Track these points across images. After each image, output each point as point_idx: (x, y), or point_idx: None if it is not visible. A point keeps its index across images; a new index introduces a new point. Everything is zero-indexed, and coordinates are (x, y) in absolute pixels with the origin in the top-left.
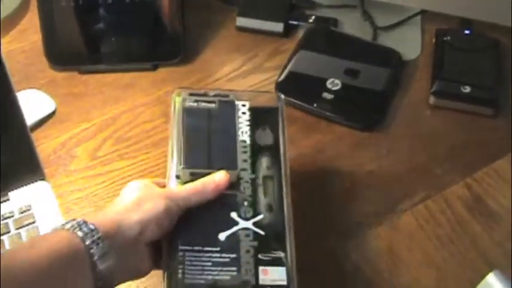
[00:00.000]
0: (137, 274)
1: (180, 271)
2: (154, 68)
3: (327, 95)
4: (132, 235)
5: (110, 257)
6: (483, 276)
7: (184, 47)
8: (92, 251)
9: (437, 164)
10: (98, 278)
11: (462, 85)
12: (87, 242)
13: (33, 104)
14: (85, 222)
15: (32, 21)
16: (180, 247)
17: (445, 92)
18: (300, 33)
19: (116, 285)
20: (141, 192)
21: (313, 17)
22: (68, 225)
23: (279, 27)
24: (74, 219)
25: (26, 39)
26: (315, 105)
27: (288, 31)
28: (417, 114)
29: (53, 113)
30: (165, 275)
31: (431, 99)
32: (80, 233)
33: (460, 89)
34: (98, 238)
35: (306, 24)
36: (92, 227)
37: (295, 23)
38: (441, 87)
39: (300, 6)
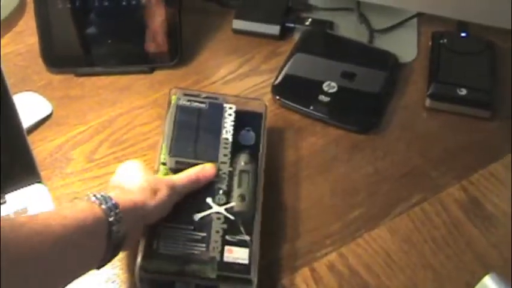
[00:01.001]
0: (131, 245)
1: (155, 242)
2: (151, 70)
3: (323, 98)
4: (146, 219)
5: (124, 232)
6: (479, 279)
7: (181, 49)
8: (113, 227)
9: (433, 167)
10: (110, 246)
11: (458, 87)
12: (111, 219)
13: (29, 106)
14: (110, 198)
15: (28, 23)
16: (159, 223)
17: (441, 94)
18: (296, 36)
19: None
20: (150, 178)
21: (309, 20)
22: (94, 198)
23: (275, 29)
24: (98, 193)
25: (22, 42)
26: (311, 107)
27: (284, 34)
28: (413, 117)
29: (50, 115)
30: (143, 244)
31: (428, 102)
32: (104, 207)
33: (456, 91)
34: (119, 216)
35: (302, 26)
36: (115, 203)
37: (292, 25)
38: (437, 90)
39: (296, 9)
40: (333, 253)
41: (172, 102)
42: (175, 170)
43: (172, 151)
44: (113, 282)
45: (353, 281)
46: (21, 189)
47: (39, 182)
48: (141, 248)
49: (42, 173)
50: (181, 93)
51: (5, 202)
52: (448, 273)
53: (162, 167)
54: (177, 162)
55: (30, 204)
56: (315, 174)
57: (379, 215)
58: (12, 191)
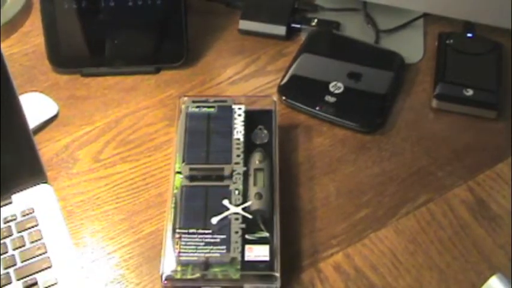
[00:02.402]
0: None
1: (176, 250)
2: (157, 71)
3: (330, 98)
4: None
5: None
6: (486, 280)
7: (187, 50)
8: None
9: (439, 167)
10: None
11: (465, 88)
12: None
13: (35, 107)
14: None
15: (34, 24)
16: (178, 230)
17: (448, 95)
18: (303, 37)
19: None
20: None
21: (315, 20)
22: None
23: (281, 30)
24: None
25: (29, 42)
26: (317, 108)
27: (291, 34)
28: (420, 117)
29: (56, 116)
30: (164, 253)
31: (434, 102)
32: None
33: (463, 92)
34: None
35: (309, 27)
36: None
37: (298, 26)
38: (444, 90)
39: (303, 10)
40: (339, 253)
41: (182, 111)
42: (191, 177)
43: (186, 159)
44: (118, 282)
45: (359, 281)
46: (28, 190)
47: (45, 182)
48: (162, 257)
49: (49, 174)
50: (189, 100)
51: (11, 202)
52: (454, 274)
53: (177, 176)
54: (191, 169)
55: (36, 204)
56: (321, 174)
57: (386, 216)
58: (18, 191)
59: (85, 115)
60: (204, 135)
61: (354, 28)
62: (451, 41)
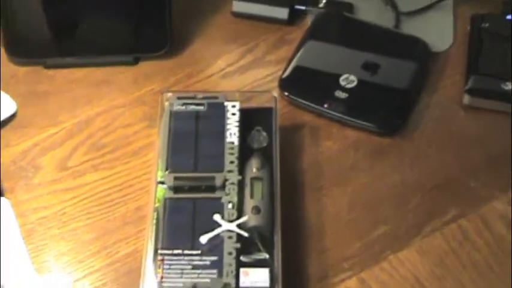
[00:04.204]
0: None
1: (158, 275)
2: (136, 61)
3: (341, 94)
4: None
5: None
6: None
7: (171, 36)
8: None
9: (472, 176)
10: None
11: (503, 81)
12: None
13: None
14: None
15: None
16: (160, 251)
17: (482, 89)
18: (309, 20)
19: None
20: None
21: (323, 1)
22: None
23: (283, 13)
24: None
25: None
26: (325, 105)
27: (294, 18)
28: (448, 116)
29: (13, 115)
30: (143, 279)
31: (466, 99)
32: None
33: (500, 85)
34: None
35: (316, 9)
36: None
37: (303, 8)
38: (477, 84)
39: None
40: (352, 278)
41: (165, 109)
42: (176, 188)
43: (170, 166)
44: None
45: None
46: None
47: (1, 195)
48: (141, 284)
49: (5, 185)
50: (174, 97)
51: None
52: None
53: (159, 187)
54: (176, 178)
55: None
56: (330, 184)
57: (408, 234)
58: None
59: (48, 114)
60: (192, 138)
61: (369, 10)
62: (487, 24)
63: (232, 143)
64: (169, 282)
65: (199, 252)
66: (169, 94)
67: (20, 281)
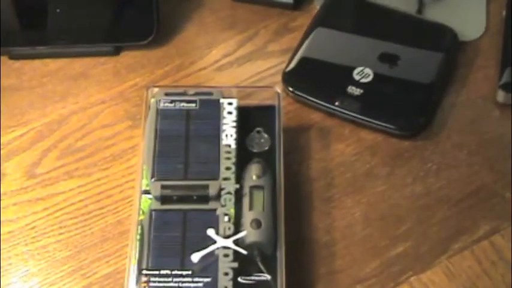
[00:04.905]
0: None
1: None
2: (117, 51)
3: (354, 90)
4: None
5: None
6: None
7: (158, 22)
8: None
9: (507, 185)
10: None
11: None
12: None
13: None
14: None
15: None
16: (145, 271)
17: None
18: (317, 4)
19: None
20: None
21: None
22: None
23: None
24: None
25: None
26: (336, 103)
27: (301, 1)
28: (480, 116)
29: None
30: None
31: (500, 95)
32: None
33: None
34: None
35: None
36: None
37: None
38: None
39: None
40: None
41: (151, 107)
42: (163, 199)
43: (157, 173)
44: None
45: None
46: None
47: None
48: None
49: None
50: (161, 93)
51: None
52: None
53: (144, 198)
54: (163, 187)
55: None
56: (342, 194)
57: (432, 252)
58: None
59: (15, 113)
60: (182, 141)
61: None
62: None
63: (229, 146)
64: None
65: (190, 272)
66: (156, 89)
67: None
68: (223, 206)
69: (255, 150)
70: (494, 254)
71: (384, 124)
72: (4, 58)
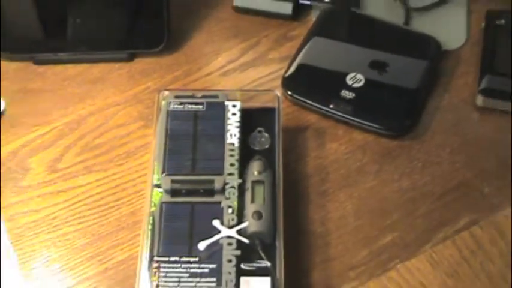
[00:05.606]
0: None
1: (154, 283)
2: (131, 58)
3: (347, 94)
4: None
5: None
6: None
7: (169, 31)
8: None
9: (486, 181)
10: None
11: None
12: None
13: None
14: None
15: None
16: (156, 258)
17: (497, 90)
18: (313, 16)
19: None
20: None
21: None
22: None
23: (287, 7)
24: None
25: None
26: (331, 106)
27: (299, 13)
28: (461, 118)
29: (1, 113)
30: (138, 286)
31: (479, 100)
32: None
33: None
34: None
35: (321, 4)
36: None
37: (308, 2)
38: (492, 84)
39: None
40: None
41: (162, 108)
42: (173, 192)
43: (167, 168)
44: None
45: None
46: None
47: None
48: None
49: None
50: (171, 95)
51: None
52: None
53: (155, 191)
54: (173, 181)
55: None
56: (336, 189)
57: (417, 242)
58: None
59: (39, 113)
60: (190, 139)
61: (377, 5)
62: (502, 21)
63: (233, 144)
64: None
65: (197, 259)
66: (167, 92)
67: None
68: (227, 199)
69: (256, 148)
70: (473, 243)
71: (374, 125)
72: (30, 64)
